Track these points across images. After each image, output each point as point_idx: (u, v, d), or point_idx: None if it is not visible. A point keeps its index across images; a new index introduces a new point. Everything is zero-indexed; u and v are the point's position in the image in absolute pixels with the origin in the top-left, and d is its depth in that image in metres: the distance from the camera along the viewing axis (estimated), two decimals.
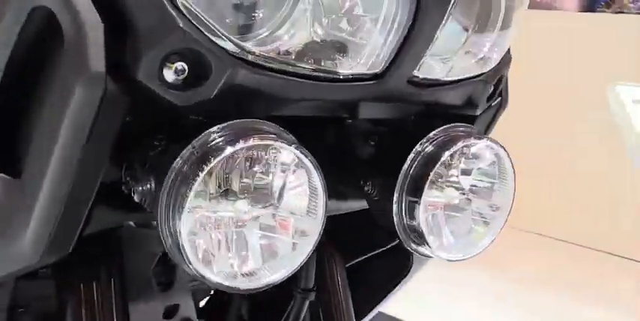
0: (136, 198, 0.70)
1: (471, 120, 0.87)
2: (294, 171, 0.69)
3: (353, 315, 1.09)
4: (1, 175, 0.76)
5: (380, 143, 0.85)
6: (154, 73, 0.65)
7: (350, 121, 0.88)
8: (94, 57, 0.65)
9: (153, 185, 0.69)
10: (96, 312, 0.92)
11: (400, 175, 0.78)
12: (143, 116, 0.73)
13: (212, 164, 0.64)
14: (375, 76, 0.73)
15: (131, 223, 1.01)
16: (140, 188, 0.70)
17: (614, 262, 3.77)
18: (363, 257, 1.12)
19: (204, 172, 0.64)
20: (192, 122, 0.70)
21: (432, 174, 0.76)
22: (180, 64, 0.66)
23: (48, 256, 0.76)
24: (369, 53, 0.71)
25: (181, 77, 0.66)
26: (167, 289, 1.09)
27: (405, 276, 1.18)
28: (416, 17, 0.69)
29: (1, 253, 0.77)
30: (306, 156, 0.69)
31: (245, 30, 0.68)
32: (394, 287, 1.19)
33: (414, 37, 0.71)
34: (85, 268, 0.94)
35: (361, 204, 0.90)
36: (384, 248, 1.10)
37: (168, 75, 0.66)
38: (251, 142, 0.66)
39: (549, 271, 3.52)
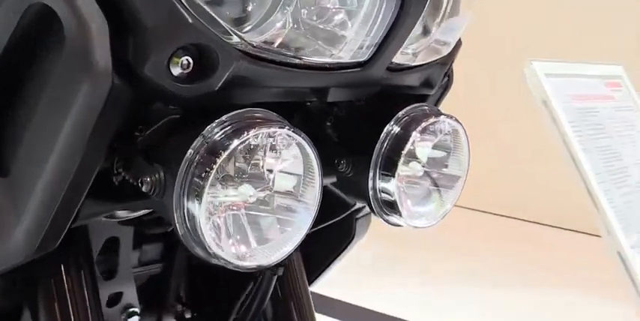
0: (144, 188, 0.73)
1: (423, 98, 0.95)
2: (287, 152, 0.75)
3: (308, 286, 1.15)
4: None
5: (342, 124, 0.91)
6: (162, 68, 0.68)
7: (309, 104, 0.93)
8: (100, 54, 0.66)
9: (162, 175, 0.72)
10: (69, 305, 0.92)
11: (374, 154, 0.85)
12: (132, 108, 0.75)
13: (226, 154, 0.69)
14: (359, 64, 0.79)
15: None
16: (148, 179, 0.72)
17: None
18: (313, 229, 1.19)
19: (220, 161, 0.68)
20: (194, 113, 0.74)
21: (404, 152, 0.84)
22: (185, 59, 0.69)
23: (37, 252, 0.77)
24: (354, 43, 0.76)
25: (186, 71, 0.69)
26: (110, 278, 1.10)
27: (348, 245, 1.26)
28: (400, 10, 0.76)
29: None
30: (299, 135, 0.74)
31: (239, 22, 0.72)
32: (338, 256, 1.27)
33: (398, 29, 0.77)
34: (53, 261, 0.94)
35: (328, 180, 0.96)
36: (333, 220, 1.17)
37: (175, 69, 0.69)
38: (256, 130, 0.70)
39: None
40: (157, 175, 0.72)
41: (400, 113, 0.86)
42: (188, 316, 1.33)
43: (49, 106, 0.70)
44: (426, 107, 0.89)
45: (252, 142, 0.71)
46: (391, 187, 0.85)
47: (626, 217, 1.01)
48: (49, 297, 0.92)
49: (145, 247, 1.18)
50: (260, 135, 0.71)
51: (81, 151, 0.70)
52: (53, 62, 0.69)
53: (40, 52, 0.70)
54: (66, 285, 0.92)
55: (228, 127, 0.70)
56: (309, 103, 0.94)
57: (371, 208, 0.88)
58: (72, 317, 0.91)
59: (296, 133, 0.73)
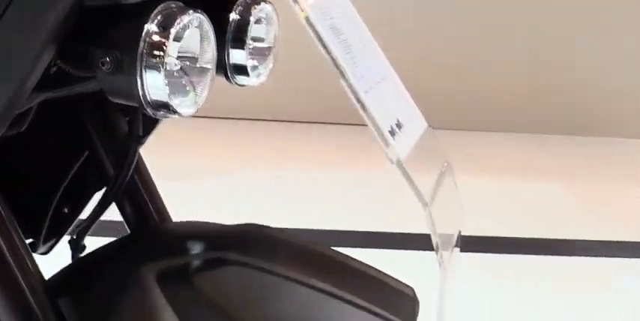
0: (105, 68, 0.95)
1: None
2: (192, 27, 1.01)
3: None
4: None
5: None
6: None
7: None
8: None
9: (119, 56, 0.94)
10: None
11: (227, 35, 1.16)
12: None
13: (172, 35, 0.95)
14: None
15: None
16: (107, 59, 0.94)
17: None
18: None
19: (170, 41, 0.94)
20: (131, 8, 0.96)
21: (249, 33, 1.17)
22: None
23: None
24: None
25: None
26: None
27: None
28: None
29: None
30: (199, 12, 1.01)
31: None
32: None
33: None
34: None
35: None
36: None
37: None
38: (184, 16, 0.97)
39: None
40: (114, 56, 0.94)
41: (237, 3, 1.18)
42: None
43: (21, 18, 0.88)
44: None
45: (184, 23, 0.97)
46: (242, 58, 1.18)
47: (356, 72, 1.42)
48: None
49: None
50: (186, 18, 0.98)
51: (49, 49, 0.91)
52: None
53: None
54: None
55: (163, 14, 0.96)
56: None
57: (226, 75, 1.19)
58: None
59: (196, 12, 1.00)
